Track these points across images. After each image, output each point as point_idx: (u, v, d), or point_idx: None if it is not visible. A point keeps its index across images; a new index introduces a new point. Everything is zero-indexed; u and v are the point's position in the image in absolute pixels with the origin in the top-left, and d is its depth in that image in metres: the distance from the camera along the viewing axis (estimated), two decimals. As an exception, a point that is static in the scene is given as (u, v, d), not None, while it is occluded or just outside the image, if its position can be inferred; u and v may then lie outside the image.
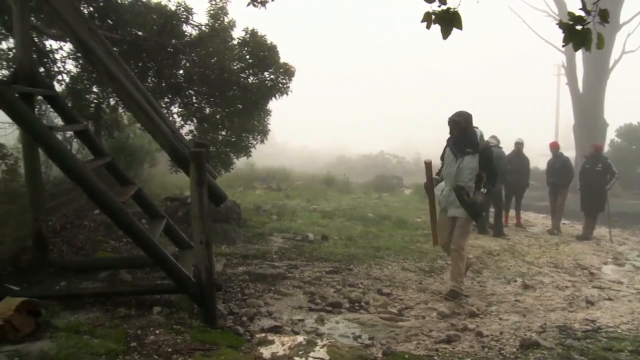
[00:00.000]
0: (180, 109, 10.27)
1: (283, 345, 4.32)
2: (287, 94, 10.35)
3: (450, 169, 6.72)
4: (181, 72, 10.01)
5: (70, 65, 9.52)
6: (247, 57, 10.04)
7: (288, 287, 6.58)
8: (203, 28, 9.88)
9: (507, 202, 12.53)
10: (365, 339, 5.07)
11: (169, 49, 9.49)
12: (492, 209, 11.75)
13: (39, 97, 6.09)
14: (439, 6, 3.61)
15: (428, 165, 6.85)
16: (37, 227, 5.33)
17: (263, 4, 8.83)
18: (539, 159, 21.91)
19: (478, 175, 6.56)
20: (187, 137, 9.63)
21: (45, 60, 9.07)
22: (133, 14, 9.13)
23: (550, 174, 12.51)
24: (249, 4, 8.78)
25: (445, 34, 3.65)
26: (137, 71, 9.03)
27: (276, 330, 5.04)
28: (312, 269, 7.46)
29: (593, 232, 11.63)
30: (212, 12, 9.98)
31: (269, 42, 9.97)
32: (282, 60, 10.14)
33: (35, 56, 7.97)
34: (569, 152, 16.50)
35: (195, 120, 10.32)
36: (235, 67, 10.04)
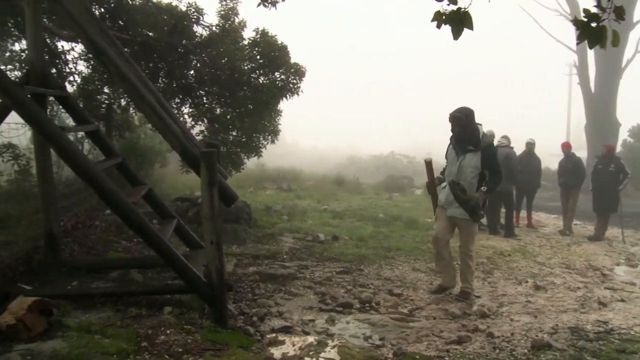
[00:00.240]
0: (190, 110, 10.30)
1: (294, 345, 4.32)
2: (297, 94, 10.35)
3: (452, 167, 6.51)
4: (192, 72, 10.05)
5: (82, 66, 9.62)
6: (258, 57, 10.06)
7: (298, 288, 6.58)
8: (214, 28, 9.91)
9: (518, 202, 12.46)
10: (376, 340, 5.06)
11: (179, 50, 9.53)
12: (503, 209, 11.69)
13: (51, 98, 6.13)
14: (448, 4, 3.58)
15: (428, 164, 6.77)
16: (49, 227, 5.37)
17: (273, 4, 8.85)
18: (550, 159, 21.73)
19: (481, 174, 6.35)
20: (197, 138, 9.64)
21: (57, 61, 9.14)
22: (144, 15, 9.18)
23: (562, 175, 12.43)
24: (259, 5, 8.81)
25: (456, 34, 3.62)
26: (148, 72, 9.07)
27: (287, 330, 5.03)
28: (322, 270, 7.45)
29: (605, 232, 11.53)
30: (222, 12, 10.01)
31: (279, 42, 9.97)
32: (292, 61, 10.15)
33: (47, 57, 8.03)
34: (581, 152, 16.36)
35: (205, 121, 10.34)
36: (246, 68, 10.06)
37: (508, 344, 5.02)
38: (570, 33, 22.89)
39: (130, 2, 9.29)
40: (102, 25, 5.97)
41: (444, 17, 3.60)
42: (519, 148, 12.23)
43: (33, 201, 6.87)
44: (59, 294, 4.71)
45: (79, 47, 9.30)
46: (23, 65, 8.69)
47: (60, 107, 7.12)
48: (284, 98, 10.34)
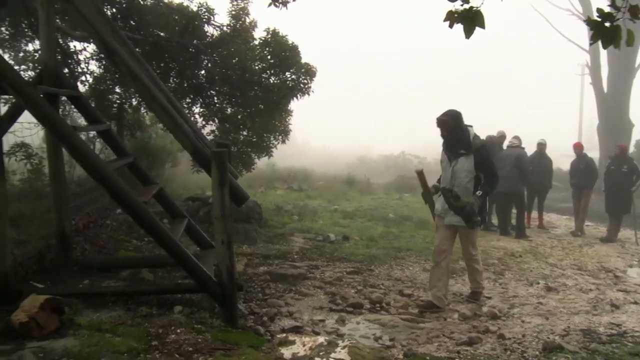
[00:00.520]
0: (201, 109, 10.33)
1: (304, 345, 4.31)
2: (308, 94, 10.33)
3: (446, 173, 6.26)
4: (203, 72, 10.07)
5: (94, 66, 9.69)
6: (269, 57, 10.06)
7: (309, 288, 6.58)
8: (224, 28, 9.93)
9: (530, 203, 12.40)
10: (386, 340, 5.04)
11: (190, 50, 9.56)
12: (514, 210, 11.63)
13: (63, 98, 6.17)
14: (462, 4, 3.57)
15: (419, 173, 6.61)
16: (61, 226, 5.40)
17: (284, 4, 8.85)
18: (562, 159, 21.62)
19: (477, 178, 6.11)
20: (208, 137, 9.68)
21: (70, 61, 9.20)
22: (155, 15, 9.22)
23: (574, 175, 12.35)
24: (270, 5, 8.82)
25: (468, 32, 3.60)
26: (159, 72, 9.10)
27: (297, 330, 5.03)
28: (333, 270, 7.45)
29: (618, 234, 11.43)
30: (233, 12, 10.01)
31: (290, 42, 9.96)
32: (303, 61, 10.15)
33: (59, 57, 8.09)
34: (593, 152, 16.25)
35: (216, 121, 10.37)
36: (257, 68, 10.07)
37: (519, 345, 4.99)
38: (581, 32, 22.74)
39: (141, 3, 9.32)
40: (114, 26, 6.00)
41: (456, 15, 3.59)
42: (530, 148, 12.17)
43: (45, 200, 6.91)
44: (71, 292, 4.74)
45: (91, 47, 9.37)
46: (36, 65, 8.76)
47: (73, 106, 7.15)
48: (295, 98, 10.33)
